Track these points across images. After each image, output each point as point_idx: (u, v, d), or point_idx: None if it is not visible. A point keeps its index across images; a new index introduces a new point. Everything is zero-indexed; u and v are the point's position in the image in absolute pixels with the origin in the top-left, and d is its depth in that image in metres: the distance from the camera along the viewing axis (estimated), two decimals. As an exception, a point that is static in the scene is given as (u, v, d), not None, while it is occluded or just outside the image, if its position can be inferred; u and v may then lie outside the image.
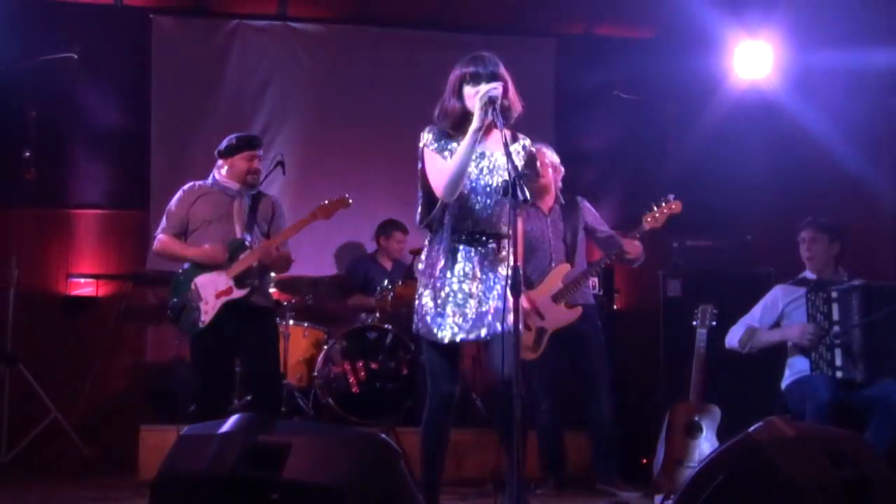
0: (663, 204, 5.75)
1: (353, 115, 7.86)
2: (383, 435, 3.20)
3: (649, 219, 5.76)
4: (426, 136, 4.30)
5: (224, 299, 5.44)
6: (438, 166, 4.21)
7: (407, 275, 7.22)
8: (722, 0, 7.03)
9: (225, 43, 7.91)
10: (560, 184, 6.04)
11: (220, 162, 5.71)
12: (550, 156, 5.98)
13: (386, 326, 6.78)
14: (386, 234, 7.48)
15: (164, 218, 5.67)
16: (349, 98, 7.94)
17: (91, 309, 7.55)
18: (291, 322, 6.91)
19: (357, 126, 7.86)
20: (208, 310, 5.44)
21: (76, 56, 7.43)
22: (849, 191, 6.76)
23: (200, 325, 5.43)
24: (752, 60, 7.23)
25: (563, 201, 5.99)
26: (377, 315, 6.93)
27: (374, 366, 6.67)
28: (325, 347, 6.81)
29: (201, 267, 5.51)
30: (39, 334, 7.21)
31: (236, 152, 5.65)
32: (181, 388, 7.07)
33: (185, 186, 5.73)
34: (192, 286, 5.48)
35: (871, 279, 5.42)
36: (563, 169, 6.06)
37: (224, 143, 5.71)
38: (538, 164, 4.36)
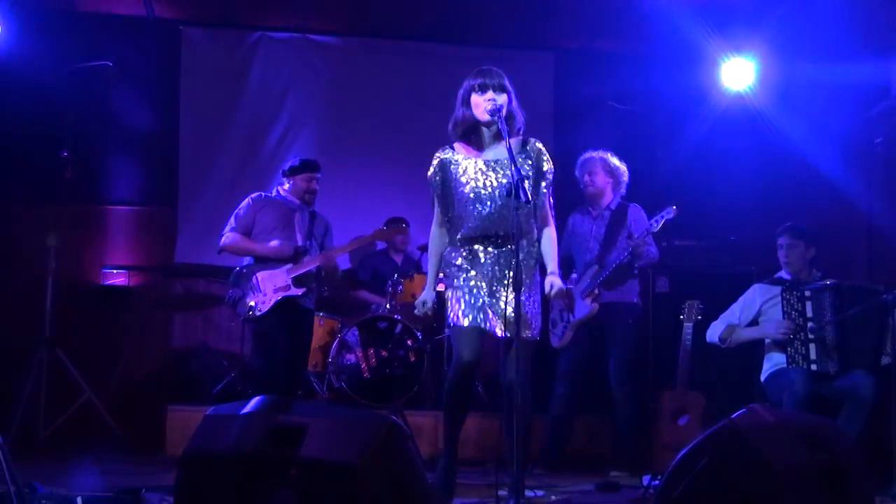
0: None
1: (365, 120, 7.86)
2: (393, 417, 3.20)
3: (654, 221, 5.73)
4: (431, 169, 4.45)
5: (282, 294, 5.76)
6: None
7: (416, 269, 7.24)
8: (708, 17, 7.02)
9: (248, 53, 7.93)
10: (619, 189, 6.04)
11: (283, 179, 6.05)
12: (609, 162, 6.01)
13: (395, 317, 6.79)
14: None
15: (233, 219, 5.94)
16: (362, 105, 7.94)
17: (123, 298, 7.57)
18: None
19: (369, 131, 7.87)
20: (267, 301, 5.75)
21: (111, 64, 7.44)
22: (827, 196, 6.76)
23: (258, 313, 5.74)
24: (737, 73, 7.22)
25: (613, 207, 5.99)
26: (387, 306, 6.94)
27: (384, 353, 6.67)
28: (339, 336, 6.82)
29: (263, 263, 5.80)
30: (75, 321, 7.22)
31: (299, 172, 6.00)
32: (205, 371, 7.12)
33: (253, 195, 6.03)
34: (254, 279, 5.78)
35: (846, 278, 5.44)
36: (623, 177, 6.04)
37: (288, 164, 6.09)
38: (545, 158, 4.35)
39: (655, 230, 5.67)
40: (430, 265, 4.60)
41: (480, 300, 4.29)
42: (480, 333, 4.34)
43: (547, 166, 4.37)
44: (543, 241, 4.41)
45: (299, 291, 5.82)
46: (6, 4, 6.66)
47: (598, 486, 5.33)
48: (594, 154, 6.09)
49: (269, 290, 5.75)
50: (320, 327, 6.97)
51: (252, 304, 5.74)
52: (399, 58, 8.06)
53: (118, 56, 7.52)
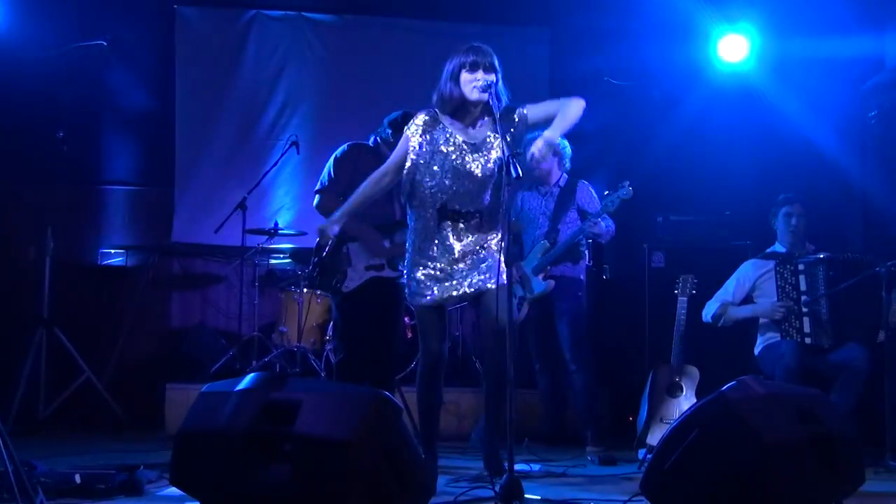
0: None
1: (361, 97, 7.84)
2: (386, 392, 3.23)
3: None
4: (415, 125, 4.39)
5: (373, 274, 5.22)
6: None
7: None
8: (703, -10, 7.02)
9: (243, 31, 7.89)
10: (564, 165, 6.00)
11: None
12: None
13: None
14: None
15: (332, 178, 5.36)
16: (357, 82, 7.92)
17: (121, 278, 7.59)
18: (305, 290, 6.93)
19: (365, 108, 7.83)
20: (355, 277, 5.21)
21: (105, 44, 7.46)
22: (821, 170, 6.76)
23: (344, 289, 5.21)
24: (733, 48, 7.21)
25: (562, 184, 6.01)
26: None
27: (380, 331, 6.67)
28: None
29: None
30: (73, 301, 7.23)
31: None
32: (203, 351, 7.13)
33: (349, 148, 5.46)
34: (345, 249, 5.23)
35: (842, 252, 5.45)
36: (566, 151, 5.99)
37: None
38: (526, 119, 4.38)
39: (611, 210, 5.68)
40: (353, 199, 4.50)
41: (448, 270, 4.32)
42: (444, 313, 4.41)
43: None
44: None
45: (393, 274, 5.26)
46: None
47: (600, 459, 5.38)
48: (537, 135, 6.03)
49: (360, 265, 5.25)
50: (318, 305, 6.98)
51: (338, 278, 5.20)
52: (394, 34, 8.04)
53: (113, 35, 7.54)
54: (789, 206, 5.65)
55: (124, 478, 4.11)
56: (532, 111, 4.36)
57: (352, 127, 7.85)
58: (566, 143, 5.98)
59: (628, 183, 5.65)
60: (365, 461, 2.98)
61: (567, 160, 6.01)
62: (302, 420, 3.02)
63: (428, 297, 4.35)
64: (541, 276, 5.83)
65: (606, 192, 5.70)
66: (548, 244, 5.86)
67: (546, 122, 4.34)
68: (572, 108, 4.34)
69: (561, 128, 4.31)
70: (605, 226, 5.82)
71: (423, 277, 4.35)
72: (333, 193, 5.21)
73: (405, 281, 4.51)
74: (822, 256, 5.33)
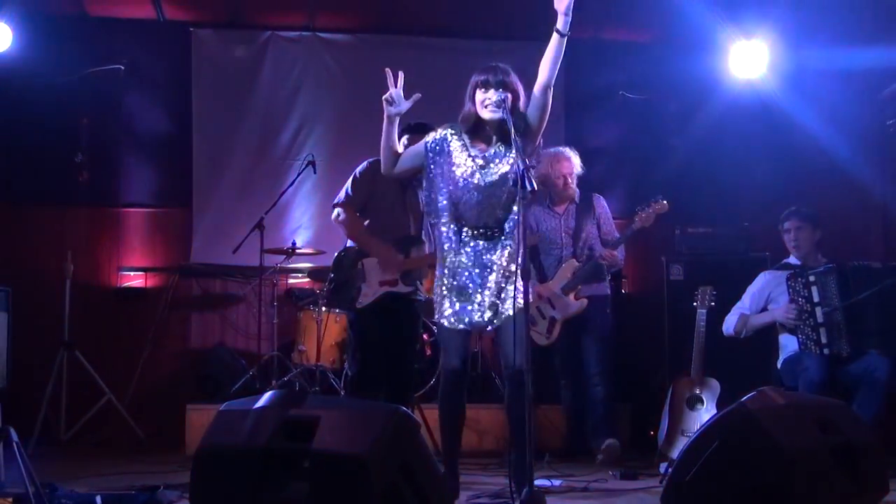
0: (652, 204, 5.82)
1: (378, 115, 7.81)
2: (404, 408, 3.23)
3: (638, 219, 5.83)
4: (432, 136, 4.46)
5: (387, 289, 5.24)
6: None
7: (430, 265, 7.23)
8: (718, 3, 7.00)
9: (259, 53, 7.95)
10: (574, 185, 6.08)
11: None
12: (569, 163, 6.04)
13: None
14: None
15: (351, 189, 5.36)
16: (373, 100, 7.82)
17: (140, 299, 7.63)
18: (324, 309, 6.93)
19: (381, 125, 7.86)
20: (369, 293, 5.24)
21: (123, 67, 7.55)
22: (840, 180, 6.73)
23: (358, 305, 5.25)
24: (748, 60, 7.19)
25: (577, 201, 6.05)
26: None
27: (400, 348, 6.66)
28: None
29: None
30: (93, 323, 7.29)
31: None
32: (223, 371, 7.15)
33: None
34: (360, 265, 5.29)
35: (852, 260, 5.43)
36: (578, 171, 6.08)
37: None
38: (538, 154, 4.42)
39: (647, 225, 5.81)
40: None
41: (470, 293, 4.31)
42: (467, 333, 4.40)
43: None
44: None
45: (408, 289, 5.31)
46: (19, 12, 6.71)
47: (621, 474, 5.36)
48: (564, 150, 6.10)
49: (374, 280, 5.29)
50: (336, 324, 6.98)
51: (353, 293, 5.28)
52: (409, 53, 8.05)
53: (130, 59, 7.62)
54: (787, 221, 5.66)
55: (145, 498, 4.13)
56: (529, 111, 4.33)
57: (368, 145, 7.80)
58: (577, 155, 6.06)
59: (660, 196, 5.72)
60: (383, 477, 2.98)
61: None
62: (320, 436, 3.02)
63: (448, 315, 4.34)
64: (571, 296, 5.89)
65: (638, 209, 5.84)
66: (577, 263, 5.90)
67: (541, 110, 4.32)
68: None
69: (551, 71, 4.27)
70: (621, 257, 6.05)
71: (445, 293, 4.36)
72: (352, 207, 5.29)
73: (423, 297, 4.51)
74: (831, 266, 5.32)
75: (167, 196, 7.88)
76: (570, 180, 6.05)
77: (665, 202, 5.80)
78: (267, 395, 3.28)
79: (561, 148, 6.11)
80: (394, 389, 5.26)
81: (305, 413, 3.14)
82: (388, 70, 4.33)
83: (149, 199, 7.85)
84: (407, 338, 5.39)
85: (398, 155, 4.50)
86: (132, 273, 7.69)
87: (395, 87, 4.36)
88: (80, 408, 6.80)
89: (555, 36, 4.19)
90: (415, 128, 5.10)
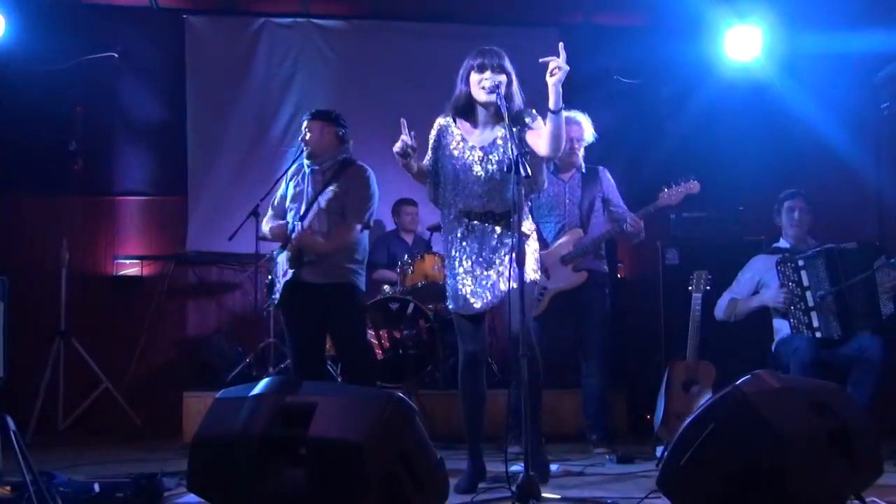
0: (683, 183, 5.68)
1: (372, 102, 7.85)
2: (399, 394, 3.23)
3: (664, 195, 5.68)
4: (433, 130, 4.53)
5: (285, 279, 5.17)
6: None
7: (426, 248, 7.25)
8: (712, -14, 7.00)
9: (253, 40, 7.91)
10: (581, 153, 5.81)
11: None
12: (579, 128, 5.75)
13: (407, 298, 6.79)
14: (397, 211, 7.52)
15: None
16: (368, 87, 7.92)
17: (136, 288, 7.62)
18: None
19: (375, 113, 7.85)
20: (279, 287, 5.21)
21: (116, 55, 7.53)
22: (834, 164, 6.74)
23: (274, 301, 5.28)
24: (742, 44, 7.19)
25: (584, 170, 5.84)
26: (399, 287, 6.95)
27: (396, 334, 6.67)
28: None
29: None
30: (90, 312, 7.29)
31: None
32: (220, 358, 7.15)
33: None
34: (277, 262, 5.32)
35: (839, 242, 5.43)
36: (588, 139, 5.81)
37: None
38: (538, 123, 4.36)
39: (673, 203, 5.70)
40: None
41: (477, 278, 4.38)
42: (482, 317, 4.46)
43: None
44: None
45: (291, 272, 5.16)
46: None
47: (617, 458, 5.37)
48: (576, 114, 5.76)
49: (279, 274, 5.34)
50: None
51: (275, 289, 5.28)
52: (403, 39, 8.04)
53: (123, 47, 7.60)
54: (792, 200, 5.66)
55: (143, 486, 4.12)
56: (531, 136, 4.33)
57: (363, 131, 7.86)
58: (589, 122, 5.84)
59: (693, 178, 5.64)
60: (380, 464, 2.99)
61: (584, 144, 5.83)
62: (316, 423, 3.03)
63: (459, 301, 4.43)
64: (570, 268, 5.70)
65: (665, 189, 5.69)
66: (581, 232, 5.72)
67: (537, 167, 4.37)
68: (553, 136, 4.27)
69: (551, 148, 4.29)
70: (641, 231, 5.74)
71: (456, 279, 4.44)
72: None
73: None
74: (819, 249, 5.33)
75: (162, 184, 7.86)
76: (576, 146, 5.74)
77: (697, 182, 5.65)
78: (263, 383, 3.29)
79: (573, 112, 5.72)
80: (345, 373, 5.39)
81: (302, 400, 3.15)
82: (403, 120, 4.33)
83: (144, 187, 7.83)
84: (332, 320, 5.17)
85: (428, 171, 4.53)
86: (128, 261, 7.68)
87: (410, 139, 4.31)
88: (78, 396, 6.82)
89: (549, 114, 4.20)
90: (316, 115, 5.39)
